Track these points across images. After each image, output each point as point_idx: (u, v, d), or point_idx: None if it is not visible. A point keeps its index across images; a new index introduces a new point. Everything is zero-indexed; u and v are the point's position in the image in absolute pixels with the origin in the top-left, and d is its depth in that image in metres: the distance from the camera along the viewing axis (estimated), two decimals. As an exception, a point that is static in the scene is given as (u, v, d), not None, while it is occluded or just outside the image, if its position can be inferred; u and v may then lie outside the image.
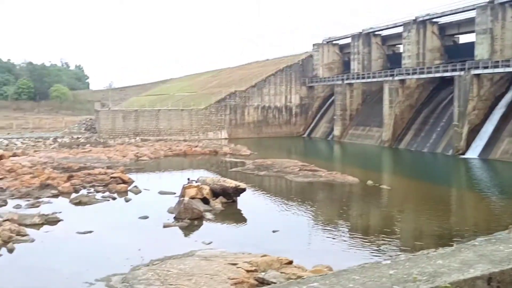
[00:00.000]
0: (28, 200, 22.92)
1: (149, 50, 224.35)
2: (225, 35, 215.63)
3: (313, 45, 67.12)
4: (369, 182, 27.43)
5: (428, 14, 49.50)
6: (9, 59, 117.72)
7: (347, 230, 18.57)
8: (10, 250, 15.41)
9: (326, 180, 28.93)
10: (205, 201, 21.30)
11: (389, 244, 16.04)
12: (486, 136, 39.59)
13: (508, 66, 39.09)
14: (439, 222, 19.03)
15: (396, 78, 50.10)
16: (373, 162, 42.08)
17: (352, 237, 17.12)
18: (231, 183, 22.79)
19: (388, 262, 2.19)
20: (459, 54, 48.56)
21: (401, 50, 53.83)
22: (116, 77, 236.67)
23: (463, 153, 39.99)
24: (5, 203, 22.33)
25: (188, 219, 19.01)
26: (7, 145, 46.00)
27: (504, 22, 41.61)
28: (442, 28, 51.38)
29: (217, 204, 21.63)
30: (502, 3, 41.25)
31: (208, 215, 19.99)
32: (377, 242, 16.28)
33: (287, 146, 54.88)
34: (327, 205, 23.78)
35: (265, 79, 63.90)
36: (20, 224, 17.83)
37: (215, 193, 22.50)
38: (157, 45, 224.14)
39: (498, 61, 40.14)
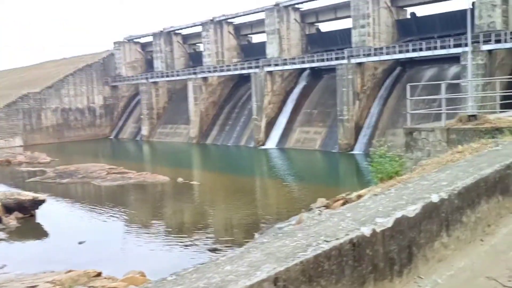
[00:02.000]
0: None
1: None
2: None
3: (114, 43, 64.65)
4: (179, 180, 27.67)
5: (224, 15, 52.06)
6: None
7: (161, 231, 18.36)
8: None
9: (137, 182, 28.23)
10: (-4, 219, 18.70)
11: (203, 240, 16.36)
12: (281, 128, 43.61)
13: (295, 63, 43.60)
14: (247, 212, 20.20)
15: (199, 76, 51.57)
16: (182, 159, 42.66)
17: (166, 238, 17.00)
18: (27, 195, 20.53)
19: (174, 277, 2.02)
20: (254, 52, 52.27)
21: (202, 49, 55.51)
22: None
23: (263, 144, 43.35)
24: None
25: (-25, 243, 16.46)
26: None
27: (289, 23, 46.15)
28: (237, 28, 54.64)
29: (12, 220, 19.23)
30: (286, 6, 45.64)
31: (1, 235, 17.62)
32: (191, 240, 16.47)
33: (93, 149, 51.91)
34: (139, 208, 23.20)
35: (63, 79, 59.25)
36: None
37: (9, 209, 19.96)
38: None
39: (286, 59, 44.40)
